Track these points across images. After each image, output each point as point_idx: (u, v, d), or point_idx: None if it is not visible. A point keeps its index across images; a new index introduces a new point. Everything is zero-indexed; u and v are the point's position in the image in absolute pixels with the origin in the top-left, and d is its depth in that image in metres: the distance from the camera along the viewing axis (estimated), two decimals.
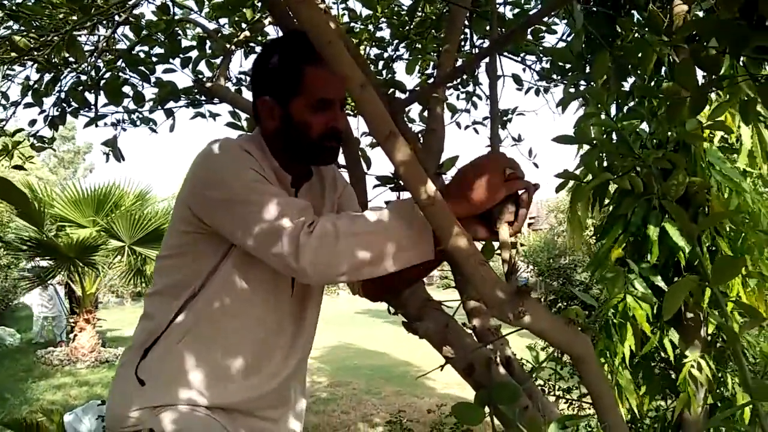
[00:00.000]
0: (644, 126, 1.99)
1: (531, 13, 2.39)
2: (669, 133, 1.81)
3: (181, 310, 1.18)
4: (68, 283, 10.05)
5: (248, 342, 1.20)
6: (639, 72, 1.71)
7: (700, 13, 1.73)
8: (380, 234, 1.00)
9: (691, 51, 1.15)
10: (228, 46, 2.30)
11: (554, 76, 3.13)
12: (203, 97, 2.35)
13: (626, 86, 2.02)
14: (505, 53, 2.81)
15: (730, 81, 1.37)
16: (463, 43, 2.70)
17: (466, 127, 3.27)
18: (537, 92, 3.27)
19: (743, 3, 1.19)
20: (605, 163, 1.95)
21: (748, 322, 0.97)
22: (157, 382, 1.16)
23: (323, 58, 1.08)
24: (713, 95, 1.95)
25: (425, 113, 2.75)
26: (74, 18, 2.08)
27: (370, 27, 2.82)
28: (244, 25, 2.39)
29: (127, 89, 2.28)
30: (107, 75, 2.26)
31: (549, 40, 3.04)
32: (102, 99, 2.30)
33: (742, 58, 1.63)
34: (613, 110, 1.88)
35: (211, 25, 2.47)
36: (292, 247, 0.99)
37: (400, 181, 1.80)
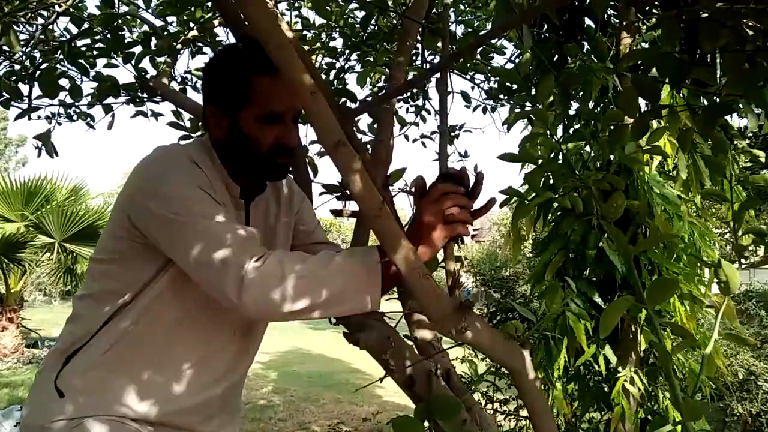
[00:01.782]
0: (588, 149, 2.06)
1: (481, 33, 2.44)
2: (611, 156, 1.87)
3: (111, 318, 1.13)
4: None
5: (183, 358, 1.15)
6: (583, 97, 1.76)
7: (645, 45, 1.81)
8: (328, 280, 0.97)
9: (634, 79, 1.20)
10: (174, 44, 2.23)
11: (501, 96, 3.20)
12: (145, 94, 2.27)
13: (573, 110, 2.08)
14: (455, 71, 2.85)
15: (670, 110, 1.43)
16: (414, 58, 2.72)
17: (414, 140, 3.29)
18: (484, 110, 3.33)
19: (684, 37, 1.25)
20: (551, 181, 2.00)
21: (679, 343, 1.01)
22: (77, 394, 1.10)
23: (273, 62, 1.06)
24: (654, 123, 2.03)
25: (375, 125, 2.76)
26: (10, 6, 1.97)
27: (323, 36, 2.80)
28: (192, 24, 2.33)
29: (64, 82, 2.18)
30: (43, 66, 2.15)
31: (498, 61, 3.12)
32: (37, 91, 2.18)
33: (682, 90, 1.71)
34: (560, 131, 1.93)
35: (158, 23, 2.40)
36: (236, 282, 0.95)
37: (347, 191, 1.79)
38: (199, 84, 2.66)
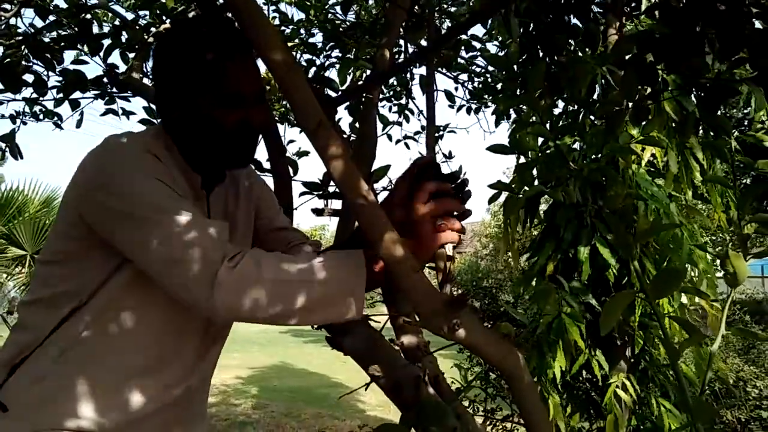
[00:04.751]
0: (575, 146, 2.00)
1: (469, 13, 2.37)
2: (599, 155, 1.81)
3: (61, 323, 1.01)
4: None
5: (141, 363, 1.05)
6: (571, 90, 1.70)
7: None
8: (309, 286, 0.89)
9: (633, 62, 1.14)
10: (146, 37, 2.13)
11: (486, 96, 3.16)
12: (114, 89, 2.16)
13: (559, 108, 2.03)
14: (439, 69, 2.79)
15: (657, 99, 1.38)
16: (397, 56, 2.66)
17: (398, 141, 3.23)
18: (469, 111, 3.29)
19: (680, 19, 1.19)
20: (536, 182, 1.93)
21: (687, 340, 0.93)
22: (25, 408, 0.98)
23: (246, 37, 0.98)
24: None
25: (356, 125, 2.68)
26: None
27: (302, 31, 2.72)
28: (165, 18, 2.23)
29: (29, 77, 2.06)
30: (6, 60, 2.03)
31: (481, 63, 3.07)
32: None
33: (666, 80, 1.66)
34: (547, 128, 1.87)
35: (129, 16, 2.30)
36: (207, 284, 0.86)
37: (329, 187, 1.70)
38: None
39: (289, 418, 6.59)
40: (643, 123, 1.55)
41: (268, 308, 0.87)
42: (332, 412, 6.73)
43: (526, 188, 1.51)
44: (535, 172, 1.81)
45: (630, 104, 1.23)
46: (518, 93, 1.41)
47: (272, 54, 0.97)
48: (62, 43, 2.00)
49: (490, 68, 2.98)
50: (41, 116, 2.42)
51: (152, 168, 0.97)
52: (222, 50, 1.02)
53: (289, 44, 2.66)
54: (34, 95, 2.18)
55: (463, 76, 3.05)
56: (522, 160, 1.65)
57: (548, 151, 1.55)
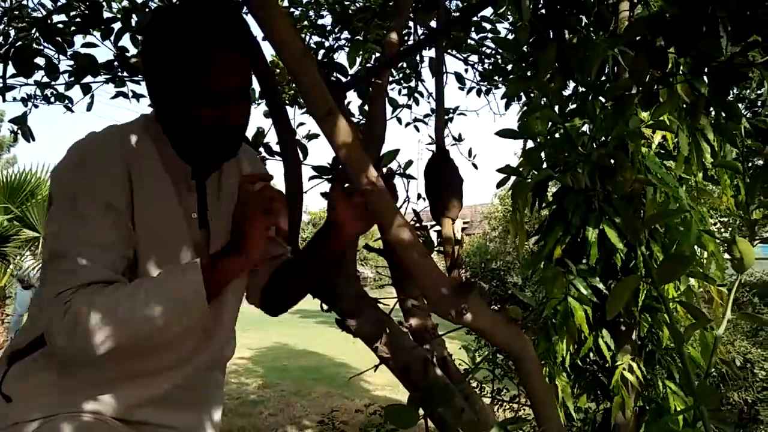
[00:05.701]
0: (584, 129, 1.99)
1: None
2: (609, 137, 1.81)
3: None
4: None
5: (138, 351, 1.05)
6: (582, 73, 1.69)
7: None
8: (141, 314, 0.91)
9: (644, 46, 1.13)
10: None
11: (496, 78, 3.14)
12: (125, 73, 2.17)
13: (569, 90, 2.01)
14: (449, 51, 2.77)
15: (667, 86, 1.37)
16: (406, 38, 2.64)
17: (407, 124, 3.22)
18: (479, 93, 3.27)
19: (691, 2, 1.18)
20: (544, 165, 1.93)
21: (693, 324, 0.94)
22: (28, 395, 1.01)
23: (258, 22, 0.99)
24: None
25: (365, 107, 2.68)
26: None
27: (311, 13, 2.71)
28: (174, 1, 2.23)
29: (40, 61, 2.07)
30: (17, 44, 2.04)
31: (490, 45, 3.04)
32: (11, 70, 2.07)
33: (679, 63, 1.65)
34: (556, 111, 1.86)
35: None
36: (47, 326, 0.92)
37: (338, 169, 1.71)
38: None
39: (299, 396, 6.68)
40: (655, 105, 1.54)
41: (108, 342, 0.90)
42: (341, 392, 6.81)
43: (534, 172, 1.51)
44: (543, 155, 1.81)
45: (640, 88, 1.23)
46: (528, 75, 1.40)
47: (284, 38, 0.97)
48: (73, 27, 2.00)
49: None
50: (52, 99, 2.44)
51: (98, 184, 0.98)
52: (200, 44, 0.96)
53: (298, 26, 2.65)
54: (46, 79, 2.19)
55: (473, 58, 3.03)
56: (530, 144, 1.65)
57: (557, 135, 1.55)
